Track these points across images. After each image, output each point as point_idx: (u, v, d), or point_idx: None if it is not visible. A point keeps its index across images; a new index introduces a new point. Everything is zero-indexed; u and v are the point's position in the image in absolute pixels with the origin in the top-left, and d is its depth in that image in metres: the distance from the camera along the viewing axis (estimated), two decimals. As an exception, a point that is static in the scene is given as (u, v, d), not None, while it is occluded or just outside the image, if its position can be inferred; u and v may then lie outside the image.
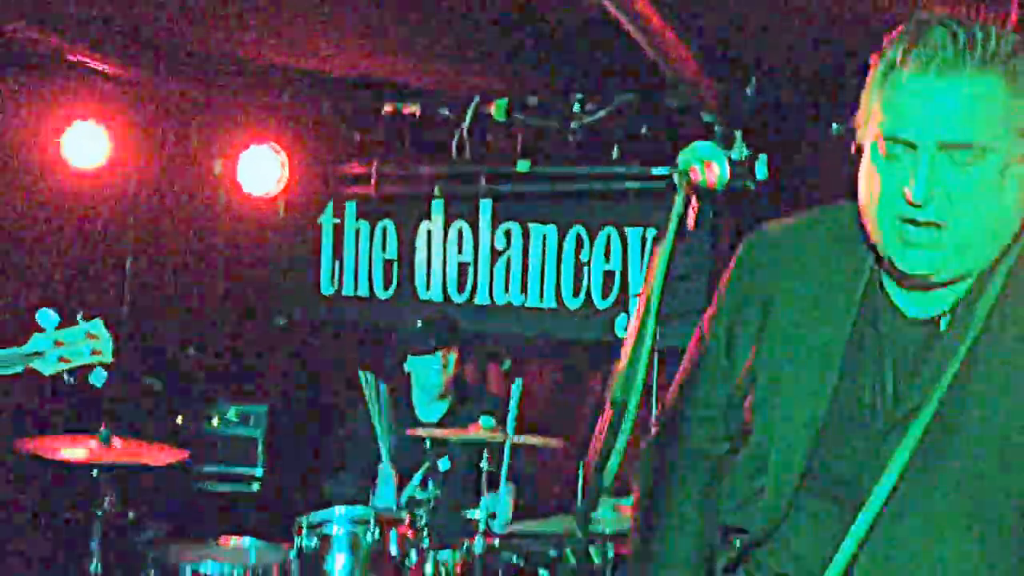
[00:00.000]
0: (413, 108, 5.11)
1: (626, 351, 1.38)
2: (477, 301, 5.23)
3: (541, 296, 5.13)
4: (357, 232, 5.49)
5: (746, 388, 1.62)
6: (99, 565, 3.88)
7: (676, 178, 1.45)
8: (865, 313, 1.54)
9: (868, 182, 1.48)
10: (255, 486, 4.80)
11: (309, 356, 5.54)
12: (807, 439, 1.52)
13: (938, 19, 1.42)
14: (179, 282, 5.48)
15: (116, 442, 3.83)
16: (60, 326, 2.69)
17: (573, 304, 5.01)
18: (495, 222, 5.23)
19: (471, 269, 5.27)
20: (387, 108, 5.17)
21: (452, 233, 5.30)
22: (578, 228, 5.07)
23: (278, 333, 5.54)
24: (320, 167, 5.34)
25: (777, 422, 1.56)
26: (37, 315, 2.74)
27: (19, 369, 2.69)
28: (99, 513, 3.87)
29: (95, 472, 3.85)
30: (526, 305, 5.14)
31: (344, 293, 5.49)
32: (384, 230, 5.44)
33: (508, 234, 5.22)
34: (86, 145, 5.02)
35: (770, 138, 4.62)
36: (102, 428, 3.80)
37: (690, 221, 1.47)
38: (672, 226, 1.42)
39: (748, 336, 1.63)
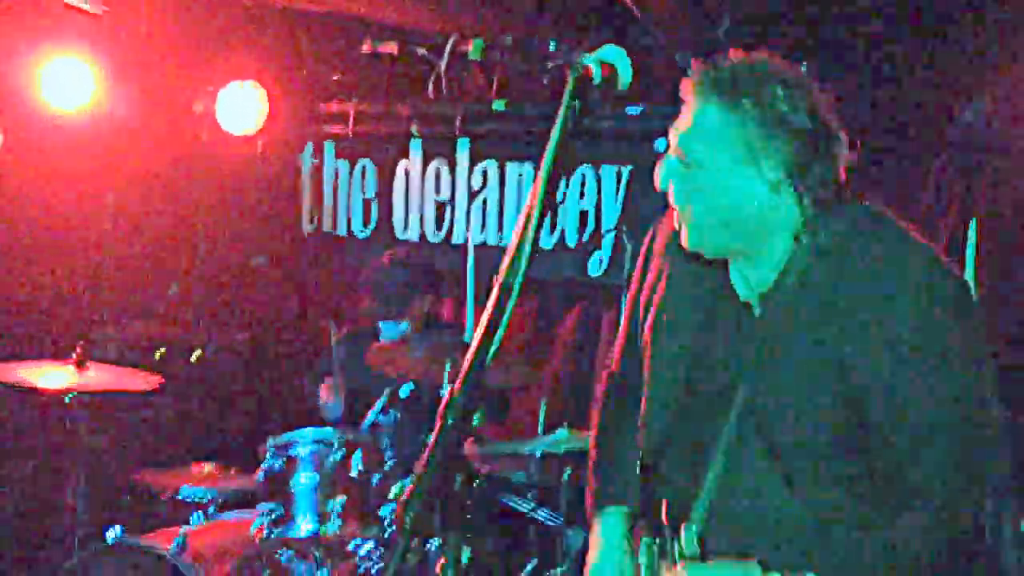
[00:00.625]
0: (390, 47, 5.15)
1: (515, 239, 1.45)
2: (454, 240, 5.29)
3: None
4: (336, 171, 5.55)
5: (645, 340, 1.99)
6: (77, 490, 3.99)
7: (568, 72, 1.52)
8: (720, 292, 1.89)
9: None
10: (231, 414, 4.90)
11: (289, 293, 5.62)
12: (673, 397, 1.89)
13: (712, 62, 1.79)
14: (160, 220, 5.55)
15: (91, 368, 3.92)
16: None
17: (547, 243, 5.06)
18: (472, 161, 5.28)
19: (448, 208, 5.32)
20: (365, 47, 5.21)
21: (430, 172, 5.35)
22: (554, 168, 5.11)
23: (258, 271, 5.61)
24: (300, 106, 5.39)
25: (656, 377, 1.94)
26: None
27: None
28: (77, 439, 3.97)
29: (68, 398, 3.94)
30: (502, 244, 5.20)
31: (323, 231, 5.56)
32: (363, 169, 5.50)
33: (485, 173, 5.27)
34: (67, 81, 5.05)
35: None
36: (76, 353, 3.88)
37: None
38: (560, 119, 1.48)
39: (651, 295, 2.00)
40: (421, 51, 5.13)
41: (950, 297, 1.72)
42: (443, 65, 5.07)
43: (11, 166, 4.97)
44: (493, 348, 1.39)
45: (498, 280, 1.44)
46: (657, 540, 1.90)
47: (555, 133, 1.47)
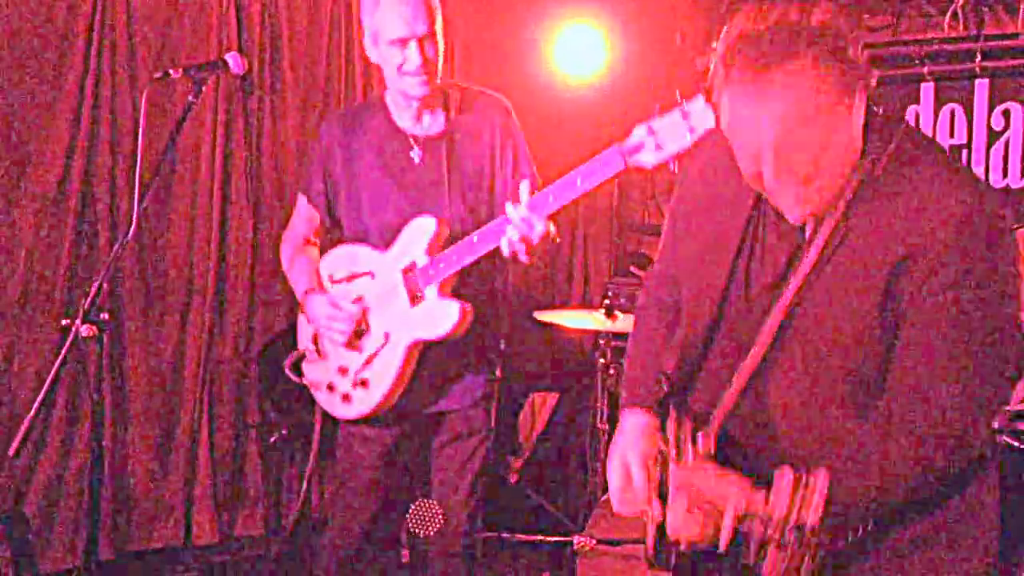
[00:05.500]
0: (904, -17, 4.92)
1: None
2: (970, 186, 4.96)
3: (1045, 179, 4.76)
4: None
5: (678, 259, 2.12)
6: (597, 418, 4.29)
7: None
8: (757, 213, 1.93)
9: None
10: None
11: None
12: (710, 309, 1.97)
13: (755, 10, 1.69)
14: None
15: (619, 317, 4.20)
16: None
17: None
18: (992, 102, 4.90)
19: (965, 152, 5.00)
20: (873, -13, 5.02)
21: (943, 115, 5.05)
22: (1092, 104, 4.63)
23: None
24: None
25: (691, 291, 2.03)
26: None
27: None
28: (597, 377, 4.27)
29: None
30: (1026, 189, 4.81)
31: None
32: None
33: (1007, 114, 4.87)
34: (580, 51, 5.40)
35: None
36: (606, 305, 4.17)
37: None
38: None
39: (684, 219, 2.09)
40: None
41: (996, 221, 1.73)
42: (961, -3, 4.75)
43: (528, 128, 5.41)
44: None
45: None
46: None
47: None
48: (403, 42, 2.93)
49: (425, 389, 3.04)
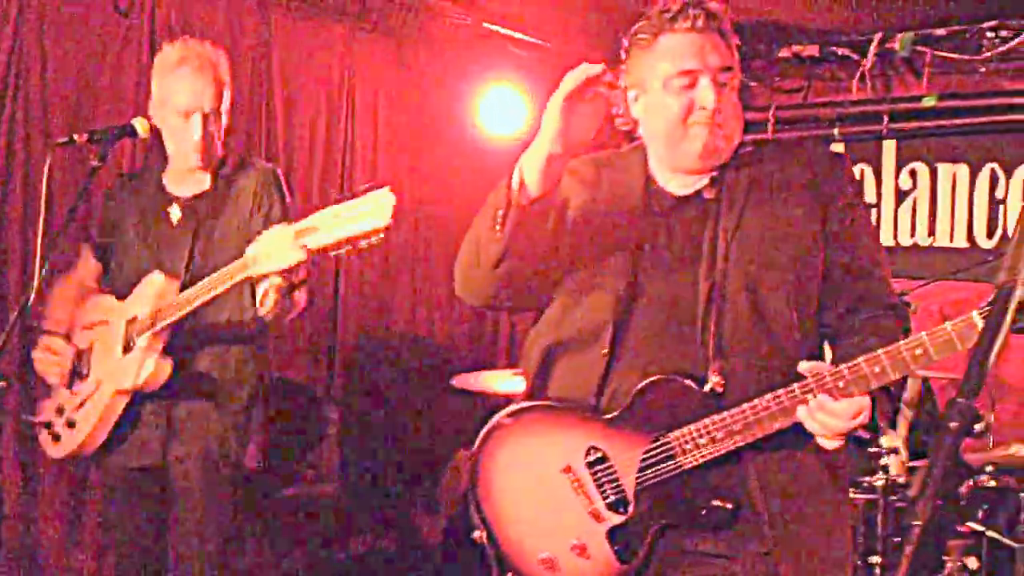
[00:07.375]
0: (811, 50, 5.07)
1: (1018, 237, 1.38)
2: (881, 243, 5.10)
3: (951, 237, 4.90)
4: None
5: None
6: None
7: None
8: (647, 202, 2.24)
9: (663, 113, 2.14)
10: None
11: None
12: (624, 283, 2.18)
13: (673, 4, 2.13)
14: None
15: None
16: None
17: (986, 244, 4.74)
18: (899, 162, 5.06)
19: (874, 212, 5.14)
20: (783, 52, 5.16)
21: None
22: (992, 165, 4.78)
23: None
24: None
25: (597, 272, 2.22)
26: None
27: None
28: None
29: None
30: (934, 246, 4.95)
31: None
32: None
33: (913, 174, 5.03)
34: (502, 111, 5.48)
35: None
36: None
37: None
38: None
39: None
40: (843, 52, 5.02)
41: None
42: (868, 64, 4.91)
43: (451, 187, 5.45)
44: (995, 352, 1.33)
45: (998, 281, 1.38)
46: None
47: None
48: (187, 114, 3.04)
49: (153, 441, 3.05)
